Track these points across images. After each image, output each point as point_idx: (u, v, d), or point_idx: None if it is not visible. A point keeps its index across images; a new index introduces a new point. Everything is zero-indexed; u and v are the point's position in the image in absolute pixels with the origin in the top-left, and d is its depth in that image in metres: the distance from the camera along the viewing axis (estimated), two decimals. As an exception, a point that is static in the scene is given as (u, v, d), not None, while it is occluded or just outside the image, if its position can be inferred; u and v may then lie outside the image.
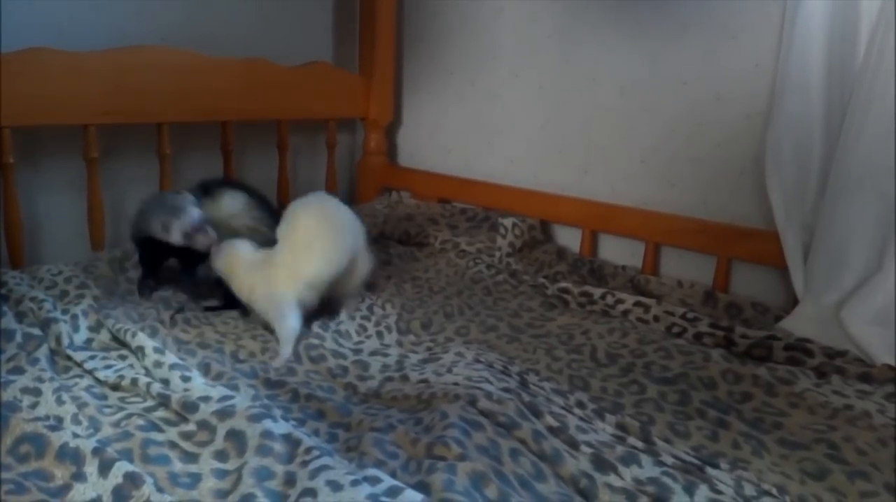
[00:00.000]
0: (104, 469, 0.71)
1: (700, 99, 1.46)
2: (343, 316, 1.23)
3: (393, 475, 0.75)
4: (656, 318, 1.27)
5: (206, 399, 0.87)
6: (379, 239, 1.74)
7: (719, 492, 0.79)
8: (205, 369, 1.02)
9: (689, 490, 0.78)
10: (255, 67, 1.67)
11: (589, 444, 0.86)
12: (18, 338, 0.99)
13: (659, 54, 1.51)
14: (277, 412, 0.87)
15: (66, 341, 1.04)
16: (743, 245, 1.39)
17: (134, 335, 1.04)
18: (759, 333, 1.16)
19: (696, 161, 1.49)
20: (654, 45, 1.52)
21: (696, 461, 0.84)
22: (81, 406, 0.87)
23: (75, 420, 0.84)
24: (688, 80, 1.48)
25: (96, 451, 0.73)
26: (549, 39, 1.70)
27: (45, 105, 1.34)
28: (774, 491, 0.80)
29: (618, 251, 1.61)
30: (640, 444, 0.88)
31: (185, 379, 0.94)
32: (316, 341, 1.12)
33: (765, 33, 1.35)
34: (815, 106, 1.25)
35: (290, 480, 0.74)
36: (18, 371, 0.93)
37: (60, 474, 0.72)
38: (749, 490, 0.79)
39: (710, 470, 0.82)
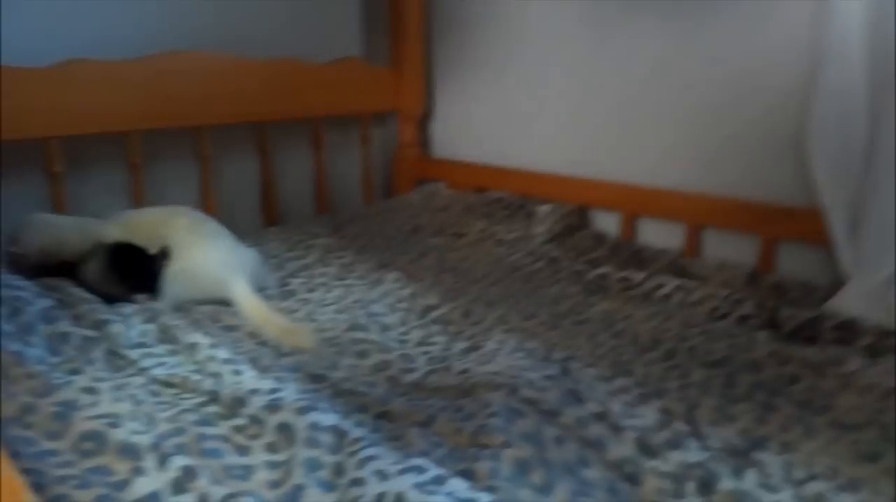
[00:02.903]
0: (162, 463, 0.74)
1: (736, 75, 1.43)
2: (384, 307, 1.25)
3: (438, 464, 0.77)
4: (699, 302, 1.25)
5: (255, 392, 0.89)
6: (416, 231, 1.75)
7: (768, 476, 0.78)
8: (253, 363, 1.04)
9: (737, 473, 0.78)
10: (286, 67, 1.70)
11: (633, 429, 0.86)
12: (75, 340, 1.03)
13: (691, 32, 1.49)
14: (324, 404, 0.89)
15: (120, 340, 1.07)
16: (786, 224, 1.36)
17: (190, 333, 1.08)
18: (805, 314, 1.14)
19: (734, 139, 1.46)
20: (685, 23, 1.49)
21: (743, 444, 0.84)
22: (138, 403, 0.90)
23: (132, 416, 0.87)
24: (722, 57, 1.45)
25: (153, 446, 0.76)
26: (577, 22, 1.68)
27: (88, 114, 1.39)
28: (826, 473, 0.79)
29: (657, 234, 1.60)
30: (685, 429, 0.88)
31: (237, 372, 0.96)
32: (359, 334, 1.14)
33: (800, 3, 1.31)
34: (858, 76, 1.21)
35: (338, 470, 0.75)
36: (77, 371, 0.96)
37: (121, 469, 0.75)
38: (799, 473, 0.79)
39: (757, 454, 0.82)
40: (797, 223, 1.34)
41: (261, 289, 1.29)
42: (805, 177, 1.31)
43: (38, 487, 0.68)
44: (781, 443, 0.85)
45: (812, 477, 0.78)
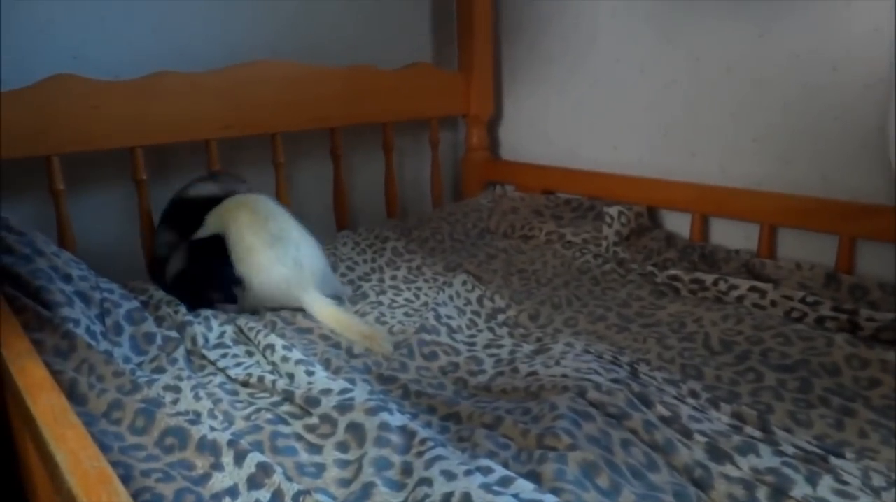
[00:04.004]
0: (239, 459, 0.77)
1: (814, 70, 1.38)
2: (452, 310, 1.26)
3: (505, 465, 0.77)
4: (773, 303, 1.22)
5: (327, 393, 0.92)
6: (484, 233, 1.76)
7: (845, 483, 0.76)
8: (325, 364, 1.07)
9: (812, 480, 0.76)
10: (358, 73, 1.74)
11: (703, 434, 0.84)
12: (159, 340, 1.08)
13: (767, 26, 1.44)
14: (393, 405, 0.91)
15: (200, 341, 1.13)
16: (867, 222, 1.31)
17: (266, 335, 1.12)
18: (887, 316, 1.10)
19: (812, 136, 1.41)
20: (761, 17, 1.45)
21: (818, 450, 0.81)
22: (216, 401, 0.95)
23: (211, 414, 0.91)
24: (800, 51, 1.40)
25: (231, 443, 0.79)
26: (648, 21, 1.66)
27: (172, 124, 1.46)
28: (907, 481, 0.76)
29: (730, 235, 1.56)
30: (757, 434, 0.86)
31: (309, 372, 1.00)
32: (428, 337, 1.16)
33: (882, -5, 1.26)
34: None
35: (406, 470, 0.77)
36: (160, 370, 1.02)
37: (201, 464, 0.79)
38: (878, 480, 0.76)
39: (834, 460, 0.79)
40: (878, 221, 1.29)
41: (332, 293, 1.33)
42: (886, 174, 1.25)
43: (124, 479, 0.72)
44: (859, 450, 0.83)
45: (892, 485, 0.75)
